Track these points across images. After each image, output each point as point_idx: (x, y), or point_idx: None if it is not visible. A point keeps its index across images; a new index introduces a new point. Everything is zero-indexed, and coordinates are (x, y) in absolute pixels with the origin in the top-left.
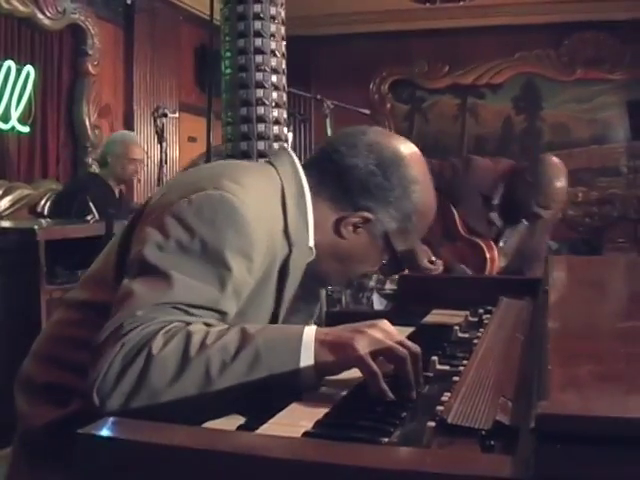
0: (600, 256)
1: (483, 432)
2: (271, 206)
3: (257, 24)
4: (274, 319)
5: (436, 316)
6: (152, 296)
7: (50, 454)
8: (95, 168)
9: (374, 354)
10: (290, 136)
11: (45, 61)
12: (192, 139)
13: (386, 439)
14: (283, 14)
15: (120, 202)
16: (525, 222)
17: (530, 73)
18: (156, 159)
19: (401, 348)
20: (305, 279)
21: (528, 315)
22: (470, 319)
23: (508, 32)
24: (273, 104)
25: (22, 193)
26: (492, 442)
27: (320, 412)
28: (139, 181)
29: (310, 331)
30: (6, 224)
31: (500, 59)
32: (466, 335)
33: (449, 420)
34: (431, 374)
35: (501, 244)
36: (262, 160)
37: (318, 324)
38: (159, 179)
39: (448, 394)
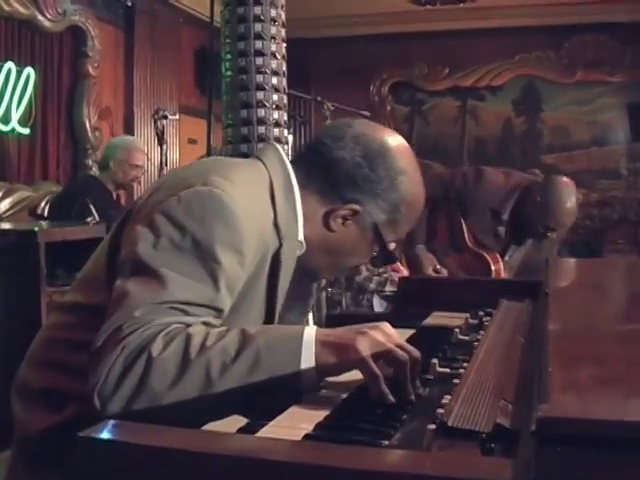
0: (600, 258)
1: (483, 435)
2: (260, 200)
3: (257, 26)
4: (270, 314)
5: (436, 318)
6: (147, 296)
7: (47, 460)
8: (95, 170)
9: (375, 356)
10: (290, 138)
11: (45, 63)
12: (192, 141)
13: (386, 442)
14: (283, 16)
15: (118, 206)
16: (530, 240)
17: (530, 75)
18: (156, 161)
19: (401, 352)
20: (297, 274)
21: (528, 317)
22: (470, 321)
23: (508, 34)
24: (273, 106)
25: (22, 195)
26: (492, 445)
27: (320, 415)
28: (139, 183)
29: (310, 331)
30: (6, 226)
31: (500, 61)
32: (466, 337)
33: (449, 423)
34: (431, 376)
35: (507, 258)
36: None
37: (318, 325)
38: None
39: (448, 397)
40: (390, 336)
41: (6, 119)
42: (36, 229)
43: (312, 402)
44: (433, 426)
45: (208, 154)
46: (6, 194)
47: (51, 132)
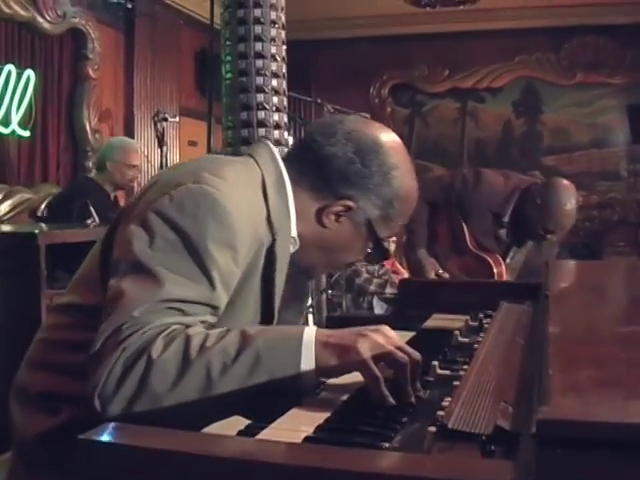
0: (600, 260)
1: (484, 437)
2: (252, 196)
3: (257, 28)
4: (268, 312)
5: (437, 321)
6: (144, 294)
7: (46, 463)
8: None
9: (376, 359)
10: (290, 140)
11: (45, 65)
12: (192, 143)
13: (387, 444)
14: (283, 18)
15: (117, 207)
16: (531, 242)
17: (530, 77)
18: (156, 163)
19: (402, 354)
20: (292, 272)
21: (529, 319)
22: (470, 323)
23: (508, 36)
24: (273, 108)
25: (22, 197)
26: (493, 447)
27: (321, 417)
28: (139, 185)
29: (310, 331)
30: (6, 228)
31: (500, 63)
32: (466, 340)
33: (450, 425)
34: (432, 379)
35: (508, 260)
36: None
37: (318, 327)
38: None
39: (449, 399)
40: (390, 338)
41: (6, 121)
42: (36, 231)
43: (312, 404)
44: (433, 428)
45: None
46: (6, 196)
47: (51, 134)
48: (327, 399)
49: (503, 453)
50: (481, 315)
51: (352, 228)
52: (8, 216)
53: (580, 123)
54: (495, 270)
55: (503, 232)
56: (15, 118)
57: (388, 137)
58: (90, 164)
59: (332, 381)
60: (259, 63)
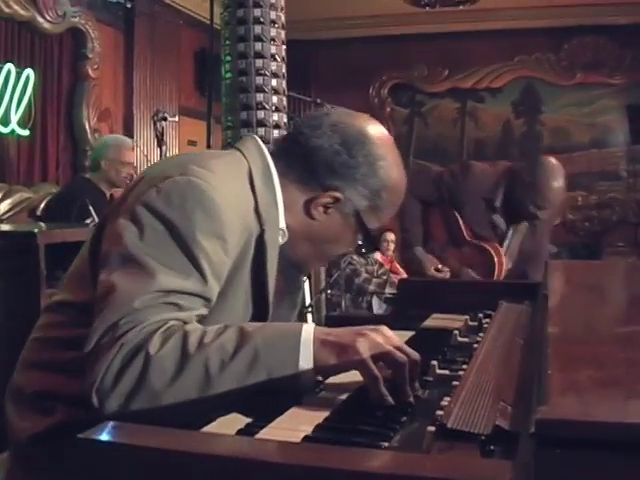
0: (600, 260)
1: (483, 437)
2: (240, 188)
3: (257, 28)
4: (261, 303)
5: (436, 320)
6: (135, 287)
7: (43, 463)
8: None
9: (375, 358)
10: None
11: (45, 64)
12: (192, 143)
13: (386, 444)
14: (283, 18)
15: None
16: (526, 223)
17: (530, 77)
18: None
19: (400, 354)
20: (283, 266)
21: (528, 319)
22: (470, 323)
23: (508, 36)
24: (273, 108)
25: (22, 196)
26: (492, 447)
27: (320, 416)
28: None
29: (309, 329)
30: (6, 227)
31: (500, 63)
32: (466, 339)
33: (449, 425)
34: (431, 378)
35: (505, 245)
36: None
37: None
38: None
39: (448, 399)
40: (389, 338)
41: (5, 121)
42: (36, 231)
43: (312, 404)
44: (433, 428)
45: None
46: (5, 195)
47: (50, 134)
48: (326, 398)
49: (502, 453)
50: (480, 315)
51: (341, 219)
52: (7, 215)
53: (580, 123)
54: (496, 259)
55: (497, 217)
56: (14, 117)
57: (374, 129)
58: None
59: (331, 380)
60: (259, 63)
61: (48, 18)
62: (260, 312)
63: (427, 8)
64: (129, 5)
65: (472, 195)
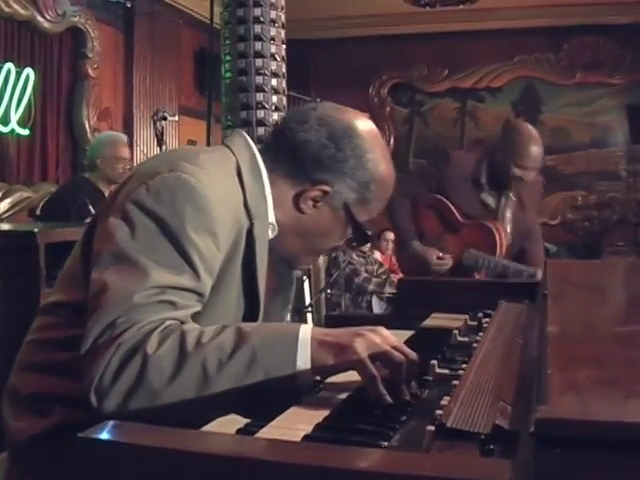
0: (599, 260)
1: (482, 436)
2: (229, 182)
3: (257, 28)
4: (252, 298)
5: (435, 320)
6: (128, 285)
7: (41, 465)
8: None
9: (372, 358)
10: None
11: (45, 64)
12: (192, 142)
13: (386, 443)
14: (283, 18)
15: None
16: (513, 198)
17: (530, 77)
18: None
19: (398, 353)
20: (275, 262)
21: (527, 319)
22: (469, 323)
23: (507, 36)
24: (273, 107)
25: (22, 196)
26: (491, 446)
27: (320, 416)
28: None
29: (307, 329)
30: (5, 227)
31: (499, 62)
32: (465, 339)
33: (448, 424)
34: (431, 378)
35: (499, 219)
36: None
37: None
38: None
39: (447, 398)
40: (386, 338)
41: (5, 120)
42: (35, 230)
43: (311, 403)
44: (432, 427)
45: None
46: (5, 195)
47: (50, 133)
48: (326, 398)
49: (502, 452)
50: (480, 314)
51: (330, 213)
52: (7, 215)
53: (579, 123)
54: (496, 234)
55: (485, 195)
56: (14, 117)
57: (362, 122)
58: None
59: (331, 380)
60: (259, 62)
61: (48, 17)
62: (252, 306)
63: (427, 8)
64: (129, 4)
65: (457, 179)
